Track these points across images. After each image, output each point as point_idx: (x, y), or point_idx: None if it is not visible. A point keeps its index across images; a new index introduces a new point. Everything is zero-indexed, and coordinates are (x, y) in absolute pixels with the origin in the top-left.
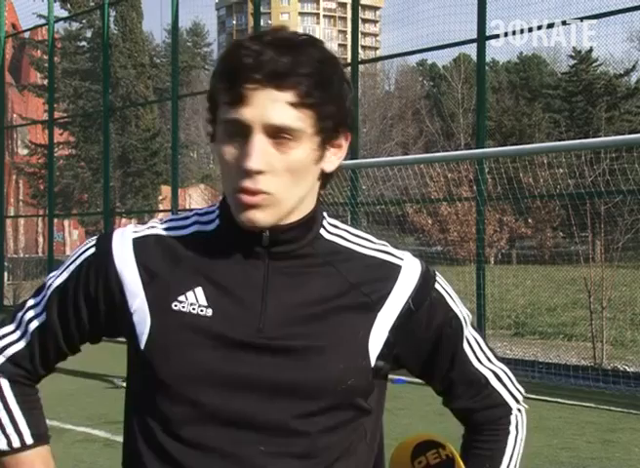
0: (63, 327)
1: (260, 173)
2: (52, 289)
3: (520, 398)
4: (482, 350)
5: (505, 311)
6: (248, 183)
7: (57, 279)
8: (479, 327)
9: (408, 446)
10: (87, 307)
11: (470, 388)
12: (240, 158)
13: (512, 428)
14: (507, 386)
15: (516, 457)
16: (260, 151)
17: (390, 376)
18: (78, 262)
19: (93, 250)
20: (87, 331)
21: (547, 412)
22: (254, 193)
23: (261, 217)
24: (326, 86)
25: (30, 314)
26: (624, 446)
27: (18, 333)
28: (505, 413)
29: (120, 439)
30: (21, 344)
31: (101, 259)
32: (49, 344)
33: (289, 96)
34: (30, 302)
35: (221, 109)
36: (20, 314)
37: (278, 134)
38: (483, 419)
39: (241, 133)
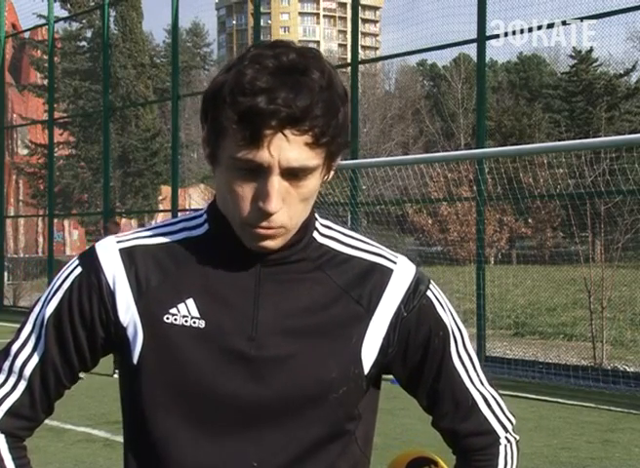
0: (63, 354)
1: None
2: (45, 319)
3: (510, 427)
4: (475, 371)
5: (505, 311)
6: (264, 223)
7: (46, 308)
8: (479, 327)
9: (401, 462)
10: (84, 329)
11: (457, 408)
12: (256, 197)
13: (501, 460)
14: (496, 413)
15: None
16: (279, 192)
17: (390, 376)
18: (67, 285)
19: (79, 269)
20: (86, 354)
21: (547, 412)
22: (270, 228)
23: (274, 245)
24: (336, 118)
25: (22, 358)
26: (624, 446)
27: (10, 383)
28: (493, 442)
29: (120, 439)
30: (18, 393)
31: (92, 276)
32: (50, 382)
33: (305, 138)
34: (15, 347)
35: (231, 144)
36: (6, 363)
37: (295, 173)
38: (469, 447)
39: (255, 172)
